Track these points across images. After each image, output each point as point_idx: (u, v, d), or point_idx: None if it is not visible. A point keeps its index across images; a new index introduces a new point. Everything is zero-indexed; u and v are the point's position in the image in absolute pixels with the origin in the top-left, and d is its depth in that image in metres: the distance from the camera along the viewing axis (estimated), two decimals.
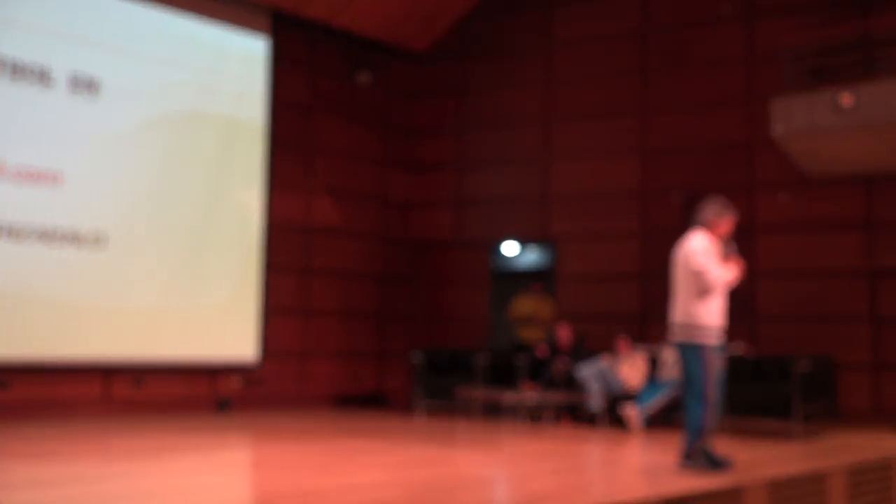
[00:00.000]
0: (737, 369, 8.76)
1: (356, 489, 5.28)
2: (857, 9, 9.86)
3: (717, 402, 6.02)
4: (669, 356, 9.34)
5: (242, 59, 10.73)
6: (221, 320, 10.32)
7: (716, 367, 5.99)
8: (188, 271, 10.10)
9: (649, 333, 10.27)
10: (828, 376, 9.19)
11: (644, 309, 10.74)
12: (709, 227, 6.16)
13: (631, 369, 9.34)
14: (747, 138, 10.38)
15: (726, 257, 6.12)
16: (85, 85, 9.45)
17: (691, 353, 5.99)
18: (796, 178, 10.00)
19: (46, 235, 9.09)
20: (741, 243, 10.28)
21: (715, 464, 5.92)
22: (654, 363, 9.43)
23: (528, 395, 9.40)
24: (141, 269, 9.72)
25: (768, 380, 8.58)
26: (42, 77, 9.17)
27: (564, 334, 10.01)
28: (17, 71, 9.01)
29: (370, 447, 7.31)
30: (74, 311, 9.21)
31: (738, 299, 10.22)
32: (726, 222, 6.20)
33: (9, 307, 8.81)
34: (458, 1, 12.05)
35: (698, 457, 5.94)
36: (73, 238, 9.27)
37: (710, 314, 6.01)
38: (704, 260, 5.98)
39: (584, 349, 9.92)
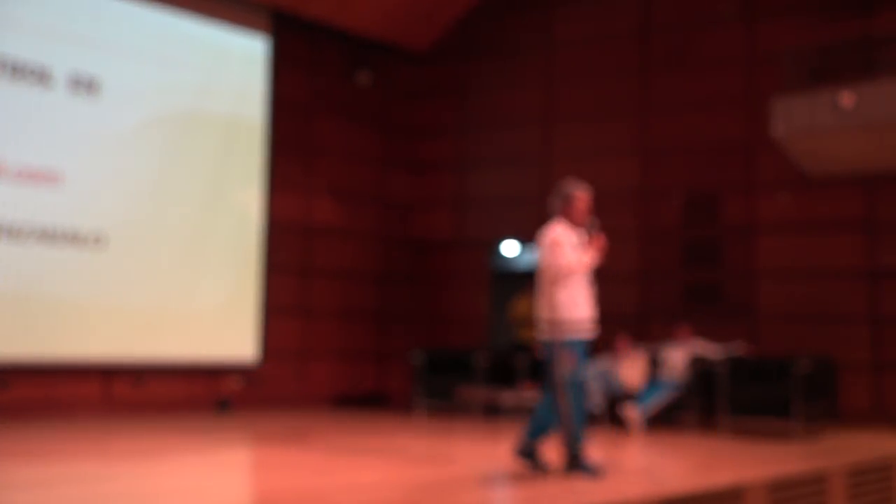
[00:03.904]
0: (737, 369, 8.79)
1: (356, 489, 5.28)
2: (858, 9, 9.86)
3: (574, 403, 5.64)
4: (670, 356, 9.34)
5: (242, 58, 10.73)
6: (221, 320, 10.32)
7: (571, 365, 5.65)
8: (188, 271, 10.10)
9: (649, 333, 10.27)
10: (828, 376, 9.19)
11: (644, 309, 10.74)
12: (563, 214, 5.83)
13: (631, 369, 9.33)
14: (747, 138, 10.37)
15: (587, 239, 5.76)
16: (85, 85, 9.45)
17: (550, 349, 5.72)
18: (796, 178, 10.00)
19: (46, 235, 9.09)
20: (741, 243, 10.38)
21: (585, 469, 5.66)
22: (654, 363, 9.43)
23: (528, 395, 9.40)
24: (141, 269, 9.72)
25: (768, 380, 8.58)
26: (42, 77, 9.17)
27: None
28: (17, 71, 9.01)
29: (370, 447, 7.30)
30: (74, 311, 9.21)
31: (739, 299, 10.30)
32: (578, 202, 5.81)
33: (9, 307, 8.81)
34: (458, 0, 12.05)
35: (573, 464, 5.68)
36: (74, 238, 9.27)
37: (572, 306, 5.69)
38: (550, 252, 5.68)
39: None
